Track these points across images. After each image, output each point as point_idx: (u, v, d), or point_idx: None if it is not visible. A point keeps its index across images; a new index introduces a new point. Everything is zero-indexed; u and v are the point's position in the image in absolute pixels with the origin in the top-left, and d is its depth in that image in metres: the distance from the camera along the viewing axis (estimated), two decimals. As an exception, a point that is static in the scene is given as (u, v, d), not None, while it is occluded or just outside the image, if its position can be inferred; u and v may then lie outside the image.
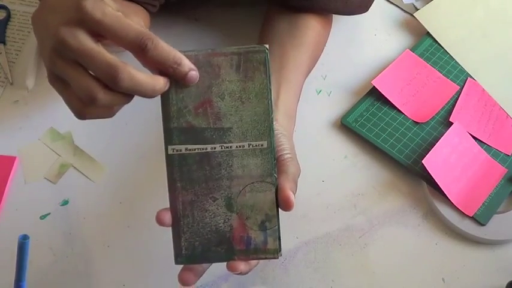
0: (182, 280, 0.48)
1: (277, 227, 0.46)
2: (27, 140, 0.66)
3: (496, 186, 0.65)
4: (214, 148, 0.46)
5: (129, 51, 0.42)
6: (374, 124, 0.69)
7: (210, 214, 0.47)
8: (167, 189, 0.47)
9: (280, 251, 0.47)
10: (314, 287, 0.58)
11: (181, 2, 0.75)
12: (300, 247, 0.61)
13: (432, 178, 0.63)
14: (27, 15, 0.75)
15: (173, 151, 0.46)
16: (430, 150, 0.65)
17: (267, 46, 0.45)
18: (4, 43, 0.72)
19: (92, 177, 0.64)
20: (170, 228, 0.47)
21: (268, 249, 0.47)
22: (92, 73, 0.42)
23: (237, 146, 0.46)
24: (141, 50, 0.41)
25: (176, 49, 0.43)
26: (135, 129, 0.68)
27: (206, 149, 0.46)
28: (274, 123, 0.55)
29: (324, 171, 0.66)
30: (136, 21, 0.43)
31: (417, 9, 0.81)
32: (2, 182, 0.62)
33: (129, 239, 0.60)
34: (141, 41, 0.41)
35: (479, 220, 0.62)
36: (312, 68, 0.69)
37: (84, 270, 0.58)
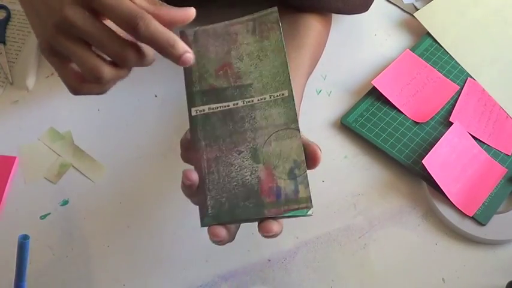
0: (213, 232, 0.44)
1: (306, 173, 0.44)
2: (27, 140, 0.66)
3: (496, 186, 0.65)
4: (237, 104, 0.47)
5: (125, 31, 0.42)
6: (374, 124, 0.69)
7: (236, 168, 0.45)
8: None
9: (311, 202, 0.44)
10: (314, 287, 0.58)
11: (182, 2, 0.74)
12: (300, 247, 0.61)
13: (432, 178, 0.63)
14: (27, 15, 0.75)
15: (196, 112, 0.47)
16: (430, 150, 0.65)
17: (276, 8, 0.48)
18: (4, 43, 0.72)
19: (92, 177, 0.64)
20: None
21: (301, 198, 0.44)
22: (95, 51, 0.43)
23: (258, 99, 0.47)
24: (133, 29, 0.41)
25: (193, 25, 0.45)
26: (135, 130, 0.68)
27: (228, 106, 0.47)
28: None
29: (324, 171, 0.66)
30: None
31: (417, 9, 0.81)
32: (2, 182, 0.62)
33: (129, 239, 0.60)
34: (133, 20, 0.41)
35: (479, 220, 0.62)
36: (314, 68, 0.69)
37: (84, 270, 0.58)
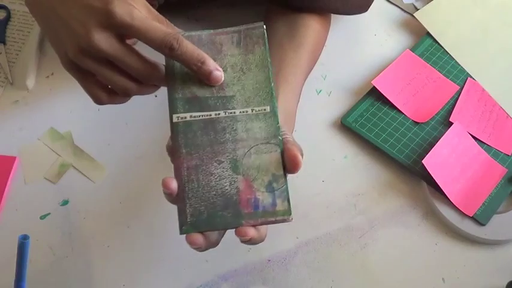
0: (190, 240, 0.45)
1: (285, 187, 0.45)
2: (27, 140, 0.66)
3: (496, 186, 0.65)
4: (219, 114, 0.47)
5: (157, 51, 0.45)
6: (374, 124, 0.69)
7: (216, 177, 0.46)
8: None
9: (291, 213, 0.44)
10: (314, 287, 0.58)
11: (181, 2, 0.75)
12: (300, 247, 0.61)
13: (432, 178, 0.63)
14: (27, 15, 0.75)
15: (178, 119, 0.47)
16: (430, 150, 0.65)
17: (263, 23, 0.49)
18: (4, 43, 0.73)
19: (92, 177, 0.64)
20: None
21: (278, 211, 0.44)
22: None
23: (240, 112, 0.47)
24: (168, 49, 0.45)
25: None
26: (135, 129, 0.68)
27: (210, 115, 0.47)
28: None
29: (324, 171, 0.66)
30: (161, 19, 0.48)
31: (417, 9, 0.81)
32: (2, 182, 0.62)
33: (129, 239, 0.60)
34: (168, 42, 0.44)
35: (479, 220, 0.62)
36: (312, 68, 0.69)
37: (84, 270, 0.58)
